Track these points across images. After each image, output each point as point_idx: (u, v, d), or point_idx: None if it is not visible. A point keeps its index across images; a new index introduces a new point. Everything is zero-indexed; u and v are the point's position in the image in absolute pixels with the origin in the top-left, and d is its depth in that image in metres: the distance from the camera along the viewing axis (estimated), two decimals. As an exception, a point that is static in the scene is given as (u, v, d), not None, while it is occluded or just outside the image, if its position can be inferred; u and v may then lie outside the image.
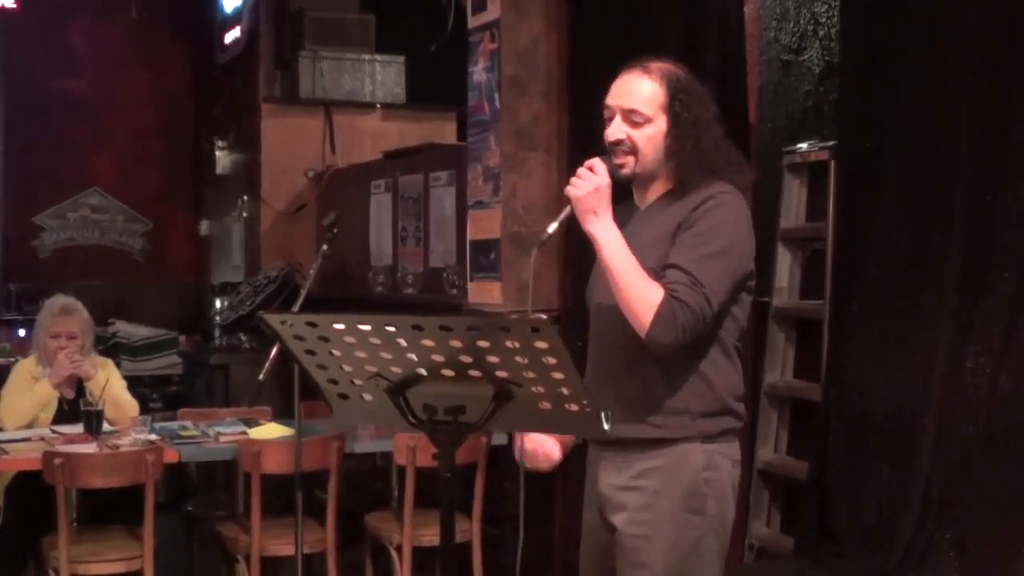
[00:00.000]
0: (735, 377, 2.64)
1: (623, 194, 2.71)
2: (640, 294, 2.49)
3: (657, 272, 2.53)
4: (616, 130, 2.64)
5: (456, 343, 2.05)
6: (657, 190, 2.69)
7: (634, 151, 2.62)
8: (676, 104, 2.60)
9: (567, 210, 2.60)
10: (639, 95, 2.62)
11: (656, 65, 2.66)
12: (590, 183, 2.56)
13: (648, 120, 2.61)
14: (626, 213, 2.70)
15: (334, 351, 2.19)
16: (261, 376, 4.05)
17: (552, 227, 2.60)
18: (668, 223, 2.59)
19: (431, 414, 2.20)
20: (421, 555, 4.57)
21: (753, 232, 2.64)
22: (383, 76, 7.96)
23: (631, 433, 2.58)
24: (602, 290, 2.63)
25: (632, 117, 2.62)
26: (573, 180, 2.60)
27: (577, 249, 4.15)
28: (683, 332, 2.45)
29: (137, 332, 8.25)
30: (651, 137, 2.61)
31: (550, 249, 4.91)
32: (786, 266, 4.53)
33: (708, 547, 2.59)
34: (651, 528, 2.58)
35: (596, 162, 2.60)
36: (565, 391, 2.12)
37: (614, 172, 2.61)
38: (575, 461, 4.94)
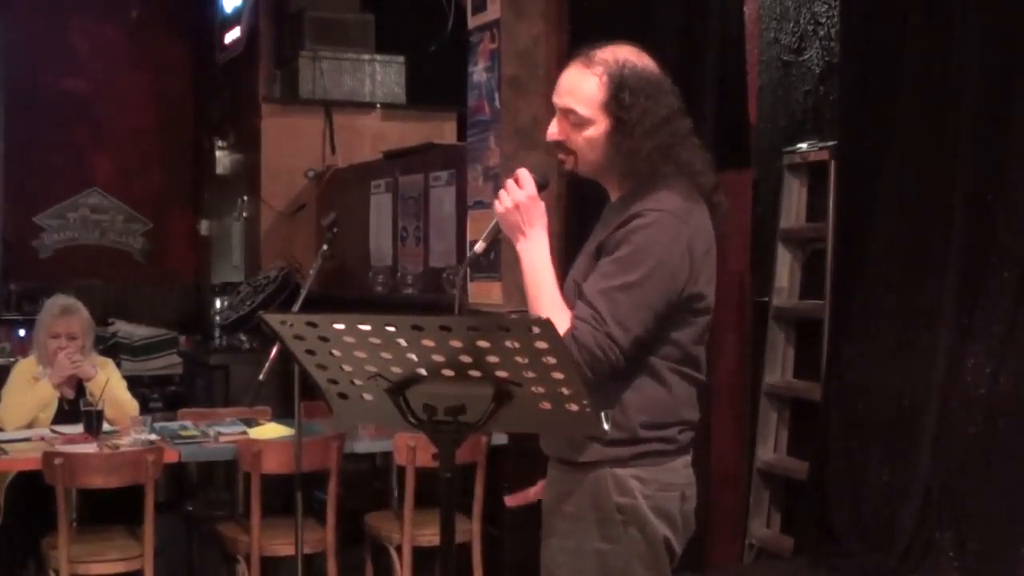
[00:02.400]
0: (667, 404, 2.40)
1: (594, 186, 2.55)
2: None
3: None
4: (552, 130, 2.44)
5: (456, 343, 2.05)
6: (615, 189, 2.48)
7: (573, 152, 2.42)
8: (615, 105, 2.35)
9: (492, 225, 2.43)
10: (576, 94, 2.39)
11: (602, 56, 2.40)
12: (510, 200, 2.38)
13: (587, 122, 2.39)
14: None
15: (334, 351, 2.19)
16: (261, 376, 4.04)
17: (479, 246, 2.44)
18: (597, 238, 2.39)
19: (431, 414, 2.19)
20: (421, 555, 4.57)
21: (699, 247, 2.35)
22: (383, 76, 7.96)
23: (555, 452, 2.49)
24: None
25: (569, 117, 2.40)
26: (500, 193, 2.41)
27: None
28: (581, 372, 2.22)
29: (137, 332, 8.25)
30: (590, 139, 2.39)
31: (550, 246, 4.90)
32: (786, 266, 4.53)
33: (636, 573, 2.40)
34: (570, 558, 2.44)
35: (522, 173, 2.40)
36: (565, 391, 2.11)
37: (540, 178, 2.42)
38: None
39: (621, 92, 2.36)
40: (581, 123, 2.40)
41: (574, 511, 2.44)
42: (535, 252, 2.40)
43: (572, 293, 2.39)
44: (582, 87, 2.39)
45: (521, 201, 2.38)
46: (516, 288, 5.00)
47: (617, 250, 2.31)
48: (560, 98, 2.43)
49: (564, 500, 2.46)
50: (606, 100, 2.37)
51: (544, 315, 2.23)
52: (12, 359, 6.49)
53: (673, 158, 2.38)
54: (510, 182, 2.41)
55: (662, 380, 2.39)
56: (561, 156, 2.45)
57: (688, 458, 2.47)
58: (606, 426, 2.18)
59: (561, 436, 2.59)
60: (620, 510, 2.39)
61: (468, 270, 2.60)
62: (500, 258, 5.03)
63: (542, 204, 2.41)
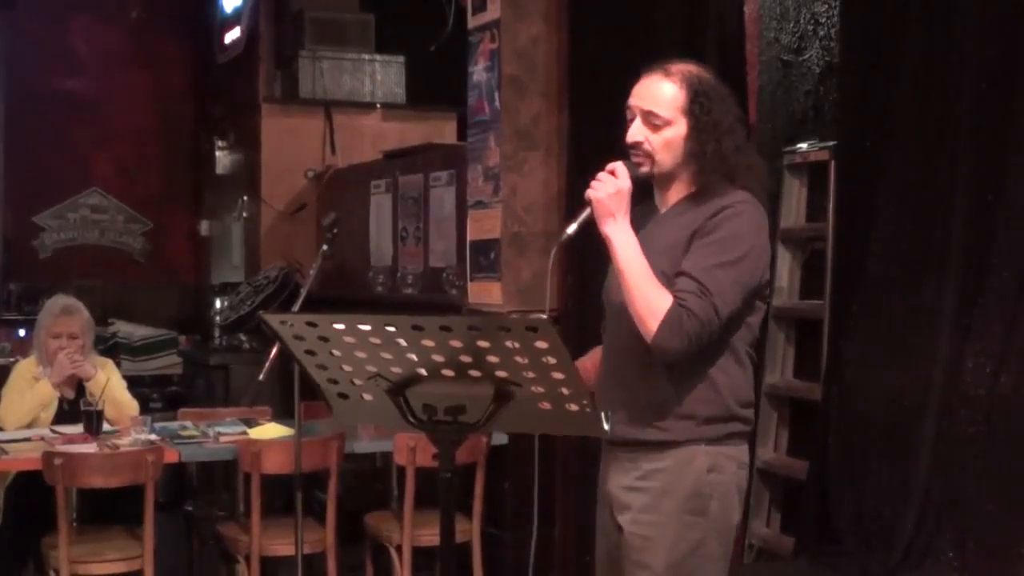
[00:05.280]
0: (745, 383, 2.64)
1: (645, 194, 2.72)
2: (649, 300, 2.50)
3: (669, 277, 2.53)
4: (635, 132, 2.64)
5: (456, 343, 2.05)
6: (678, 192, 2.68)
7: (651, 153, 2.63)
8: (696, 107, 2.59)
9: (587, 211, 2.61)
10: (658, 97, 2.62)
11: (677, 67, 2.65)
12: (611, 186, 2.58)
13: (667, 123, 2.61)
14: (646, 214, 2.71)
15: (334, 351, 2.19)
16: (261, 376, 4.05)
17: (572, 228, 2.63)
18: (684, 229, 2.58)
19: (431, 414, 2.20)
20: (421, 555, 4.57)
21: (769, 241, 2.63)
22: (383, 76, 7.96)
23: (639, 435, 2.60)
24: (619, 291, 2.64)
25: (651, 119, 2.62)
26: (593, 183, 2.61)
27: (578, 250, 4.15)
28: (688, 340, 2.46)
29: (137, 332, 8.24)
30: (669, 140, 2.61)
31: (551, 249, 4.90)
32: (786, 266, 4.53)
33: (710, 549, 2.59)
34: (653, 529, 2.59)
35: (618, 166, 2.61)
36: (565, 391, 2.12)
37: (633, 172, 2.61)
38: (575, 462, 4.94)
39: (699, 97, 2.60)
40: (662, 124, 2.61)
41: (661, 486, 2.59)
42: (626, 234, 2.58)
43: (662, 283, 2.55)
44: (663, 92, 2.62)
45: (622, 188, 2.58)
46: (516, 288, 5.01)
47: (712, 234, 2.54)
48: (642, 101, 2.64)
49: (649, 477, 2.61)
50: (686, 104, 2.61)
51: (648, 291, 2.50)
52: (12, 359, 6.48)
53: (744, 159, 2.63)
54: (605, 174, 2.60)
55: (740, 361, 2.62)
56: (638, 160, 2.64)
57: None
58: (606, 426, 2.20)
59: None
60: (711, 485, 2.58)
61: (555, 251, 2.75)
62: (500, 258, 5.04)
63: (629, 195, 2.61)
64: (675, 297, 2.48)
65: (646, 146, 2.62)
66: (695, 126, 2.59)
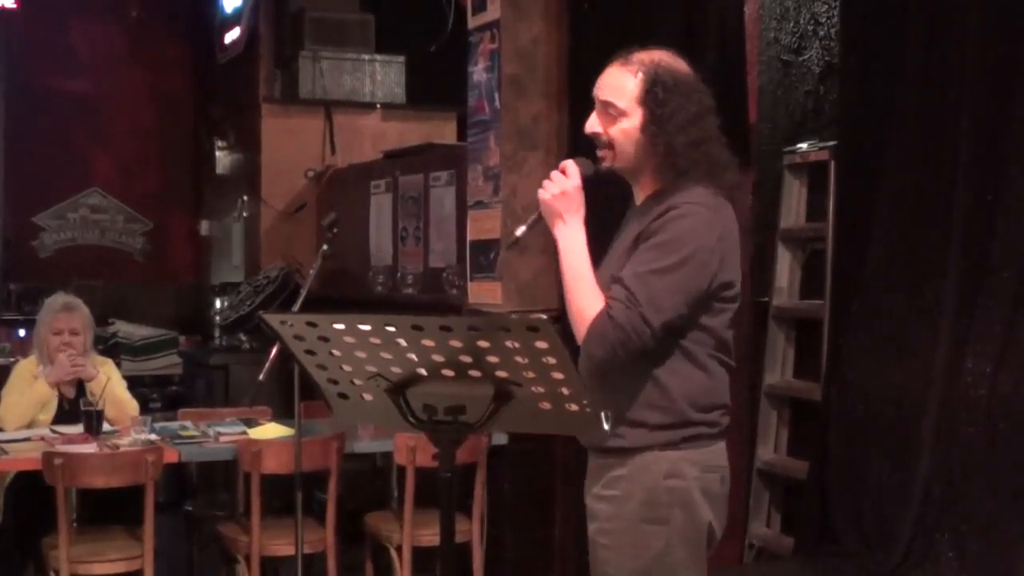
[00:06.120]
0: (707, 387, 2.52)
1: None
2: (581, 306, 2.44)
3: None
4: (591, 123, 2.58)
5: (456, 343, 2.05)
6: (645, 189, 2.59)
7: (611, 145, 2.55)
8: (650, 98, 2.49)
9: (536, 213, 2.57)
10: (614, 88, 2.54)
11: (639, 56, 2.56)
12: (557, 186, 2.52)
13: (623, 114, 2.52)
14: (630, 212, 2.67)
15: (334, 351, 2.19)
16: (261, 376, 4.04)
17: (520, 230, 2.58)
18: (633, 232, 2.51)
19: (431, 414, 2.19)
20: (421, 555, 4.57)
21: (728, 239, 2.50)
22: (383, 76, 7.97)
23: (603, 443, 2.54)
24: None
25: (607, 110, 2.55)
26: (544, 182, 2.55)
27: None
28: (613, 350, 2.37)
29: (137, 332, 8.24)
30: (626, 131, 2.53)
31: (550, 249, 4.91)
32: (786, 266, 4.53)
33: (677, 557, 2.50)
34: (613, 537, 2.53)
35: (569, 164, 2.55)
36: (565, 391, 2.12)
37: (586, 169, 2.54)
38: (574, 462, 4.93)
39: (655, 87, 2.51)
40: (618, 115, 2.54)
41: (620, 494, 2.52)
42: (574, 237, 2.52)
43: (607, 287, 2.47)
44: (620, 82, 2.55)
45: (567, 189, 2.53)
46: (516, 288, 5.00)
47: (653, 237, 2.44)
48: (601, 91, 2.58)
49: (610, 485, 2.55)
50: (642, 94, 2.51)
51: (581, 296, 2.43)
52: (12, 359, 6.48)
53: (704, 153, 2.50)
54: (556, 172, 2.55)
55: (701, 365, 2.51)
56: (600, 152, 2.57)
57: (724, 443, 2.58)
58: (606, 426, 2.19)
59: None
60: (669, 492, 2.49)
61: (505, 253, 2.70)
62: (500, 258, 5.04)
63: (583, 195, 2.54)
64: (605, 305, 2.40)
65: (604, 138, 2.55)
66: (650, 118, 2.49)
